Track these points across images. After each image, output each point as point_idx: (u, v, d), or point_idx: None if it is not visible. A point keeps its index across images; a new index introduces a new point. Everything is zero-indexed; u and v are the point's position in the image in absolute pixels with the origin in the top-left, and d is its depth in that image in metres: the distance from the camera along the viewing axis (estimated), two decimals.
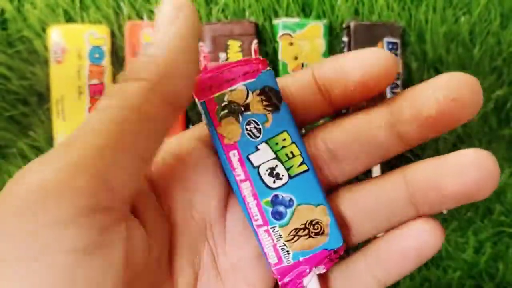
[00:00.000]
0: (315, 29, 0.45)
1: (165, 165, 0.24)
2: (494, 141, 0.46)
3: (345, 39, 0.45)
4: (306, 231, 0.26)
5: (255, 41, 0.44)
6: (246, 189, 0.26)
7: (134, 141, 0.19)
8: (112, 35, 0.46)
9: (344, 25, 0.46)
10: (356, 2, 0.47)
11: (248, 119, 0.25)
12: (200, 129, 0.26)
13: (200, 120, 0.44)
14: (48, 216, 0.17)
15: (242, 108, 0.25)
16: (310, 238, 0.26)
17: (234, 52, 0.44)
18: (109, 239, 0.18)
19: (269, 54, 0.46)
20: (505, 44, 0.46)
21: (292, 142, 0.26)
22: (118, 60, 0.46)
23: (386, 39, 0.45)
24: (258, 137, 0.26)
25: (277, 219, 0.26)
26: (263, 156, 0.26)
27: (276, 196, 0.26)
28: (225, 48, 0.44)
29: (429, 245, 0.23)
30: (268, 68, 0.26)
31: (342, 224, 0.25)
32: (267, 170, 0.26)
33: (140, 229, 0.21)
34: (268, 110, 0.26)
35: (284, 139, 0.26)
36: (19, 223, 0.17)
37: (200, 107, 0.25)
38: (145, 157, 0.20)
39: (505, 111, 0.46)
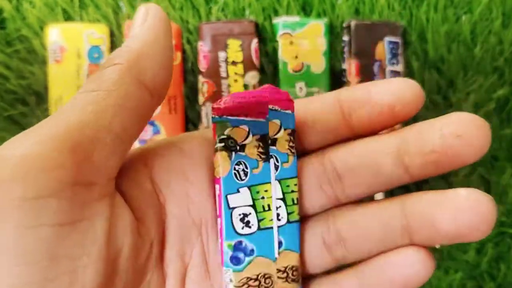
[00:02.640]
0: (316, 28, 0.44)
1: (167, 156, 0.24)
2: (495, 141, 0.46)
3: (345, 38, 0.45)
4: (257, 283, 0.26)
5: (255, 40, 0.44)
6: (218, 225, 0.25)
7: (111, 121, 0.20)
8: (111, 34, 0.45)
9: (344, 24, 0.45)
10: (357, 1, 0.46)
11: (239, 160, 0.25)
12: (204, 131, 0.26)
13: (199, 120, 0.44)
14: (29, 190, 0.17)
15: (238, 147, 0.25)
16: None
17: (234, 51, 0.44)
18: (90, 214, 0.19)
19: (269, 53, 0.46)
20: (506, 43, 0.46)
21: (270, 196, 0.25)
22: None
23: (387, 39, 0.44)
24: (243, 180, 0.25)
25: (233, 264, 0.25)
26: (241, 200, 0.25)
27: (240, 242, 0.25)
28: (225, 47, 0.44)
29: (416, 275, 0.23)
30: (290, 111, 0.25)
31: (336, 240, 0.25)
32: (240, 215, 0.25)
33: (126, 210, 0.21)
34: (261, 158, 0.25)
35: (266, 191, 0.25)
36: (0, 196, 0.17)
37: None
38: (124, 138, 0.20)
39: (506, 111, 0.46)
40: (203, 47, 0.44)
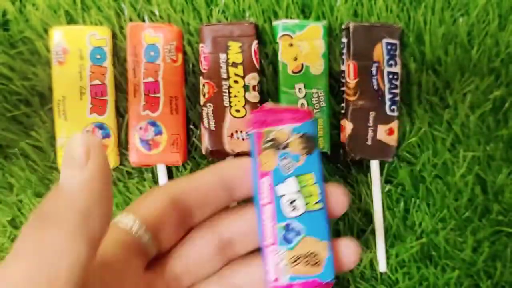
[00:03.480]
0: (315, 30, 0.45)
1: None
2: (492, 142, 0.46)
3: (344, 40, 0.46)
4: (306, 260, 0.31)
5: (255, 42, 0.45)
6: (266, 211, 0.31)
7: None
8: (113, 36, 0.46)
9: (343, 26, 0.46)
10: (355, 3, 0.47)
11: (285, 156, 0.31)
12: (118, 231, 0.28)
13: (198, 120, 0.45)
14: None
15: (282, 146, 0.31)
16: (308, 267, 0.31)
17: (234, 53, 0.45)
18: None
19: (269, 55, 0.47)
20: (503, 45, 0.47)
21: (315, 183, 0.31)
22: (119, 61, 0.46)
23: (385, 40, 0.45)
24: (288, 172, 0.31)
25: (285, 243, 0.31)
26: (288, 188, 0.31)
27: (289, 224, 0.31)
28: (226, 49, 0.45)
29: None
30: (313, 118, 0.32)
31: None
32: (288, 200, 0.31)
33: None
34: (303, 153, 0.31)
35: (309, 179, 0.31)
36: None
37: (250, 136, 0.32)
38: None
39: (502, 112, 0.46)
40: (204, 48, 0.45)
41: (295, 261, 0.31)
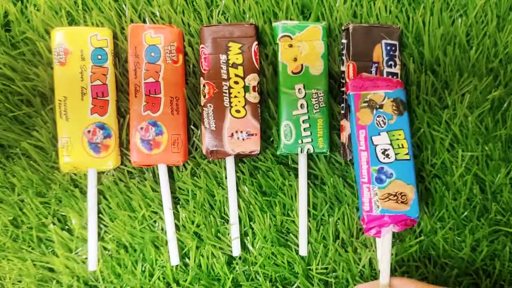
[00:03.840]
0: (314, 31, 0.45)
1: None
2: (490, 141, 0.47)
3: (344, 40, 0.46)
4: (396, 198, 0.40)
5: (255, 43, 0.45)
6: (363, 156, 0.41)
7: None
8: (115, 37, 0.47)
9: (343, 27, 0.46)
10: (355, 4, 0.47)
11: (379, 114, 0.41)
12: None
13: (199, 121, 0.45)
14: None
15: (378, 106, 0.41)
16: (397, 203, 0.40)
17: (235, 53, 0.45)
18: None
19: (269, 55, 0.47)
20: (501, 45, 0.47)
21: (404, 138, 0.41)
22: (120, 62, 0.47)
23: (384, 41, 0.45)
24: (382, 127, 0.40)
25: (378, 183, 0.40)
26: (382, 140, 0.40)
27: (382, 168, 0.40)
28: (226, 50, 0.45)
29: None
30: (403, 87, 0.42)
31: None
32: (381, 150, 0.40)
33: None
34: (395, 113, 0.41)
35: (400, 134, 0.41)
36: None
37: (349, 97, 0.41)
38: None
39: (501, 112, 0.47)
40: (204, 49, 0.45)
41: (386, 197, 0.40)
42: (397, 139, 0.40)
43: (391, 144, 0.40)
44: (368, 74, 0.42)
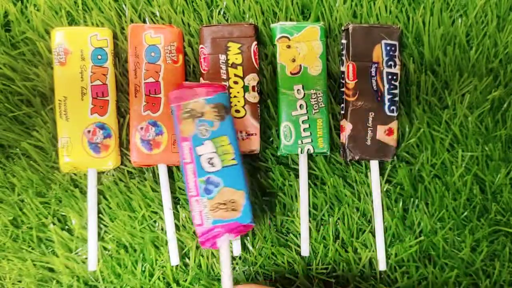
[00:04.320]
0: (312, 31, 0.46)
1: None
2: (490, 142, 0.47)
3: (344, 41, 0.47)
4: (225, 206, 0.39)
5: (255, 43, 0.46)
6: (189, 169, 0.39)
7: None
8: (115, 37, 0.47)
9: (342, 28, 0.47)
10: (355, 4, 0.48)
11: (202, 123, 0.39)
12: None
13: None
14: None
15: (199, 115, 0.39)
16: (227, 212, 0.39)
17: (234, 53, 0.45)
18: None
19: (268, 55, 0.47)
20: (501, 45, 0.47)
21: (229, 143, 0.40)
22: (120, 62, 0.47)
23: (384, 41, 0.46)
24: (205, 135, 0.39)
25: (207, 193, 0.39)
26: (206, 149, 0.39)
27: (209, 178, 0.39)
28: (225, 50, 0.45)
29: None
30: (225, 91, 0.40)
31: None
32: (207, 159, 0.39)
33: None
34: (217, 119, 0.40)
35: (224, 140, 0.39)
36: None
37: (172, 111, 0.40)
38: None
39: (501, 112, 0.47)
40: (204, 49, 0.46)
41: (216, 207, 0.39)
42: (222, 145, 0.39)
43: (216, 152, 0.39)
44: (190, 82, 0.42)
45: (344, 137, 0.46)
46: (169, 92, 0.43)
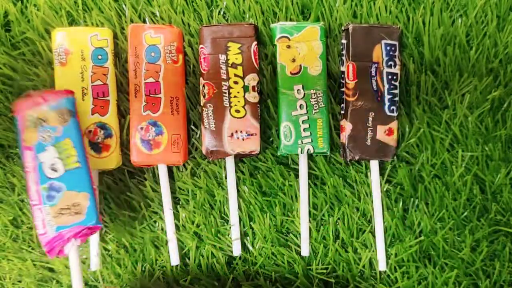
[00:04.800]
0: (312, 31, 0.46)
1: None
2: (490, 142, 0.47)
3: (344, 41, 0.47)
4: (69, 211, 0.39)
5: (255, 43, 0.46)
6: (31, 178, 0.39)
7: None
8: (115, 37, 0.47)
9: (342, 28, 0.47)
10: (355, 4, 0.48)
11: (44, 129, 0.39)
12: None
13: (199, 121, 0.46)
14: None
15: (42, 121, 0.39)
16: (71, 216, 0.39)
17: (234, 53, 0.46)
18: None
19: (268, 55, 0.48)
20: (501, 46, 0.48)
21: (73, 146, 0.39)
22: (120, 62, 0.48)
23: (384, 41, 0.46)
24: (48, 141, 0.39)
25: (49, 201, 0.39)
26: (48, 155, 0.39)
27: (52, 184, 0.39)
28: (225, 50, 0.46)
29: None
30: (70, 96, 0.40)
31: None
32: (49, 165, 0.39)
33: None
34: (60, 123, 0.39)
35: (67, 144, 0.39)
36: None
37: (16, 121, 0.39)
38: None
39: (501, 112, 0.48)
40: (204, 49, 0.46)
41: (59, 213, 0.38)
42: (65, 149, 0.39)
43: (59, 157, 0.39)
44: (36, 91, 0.41)
45: (344, 137, 0.47)
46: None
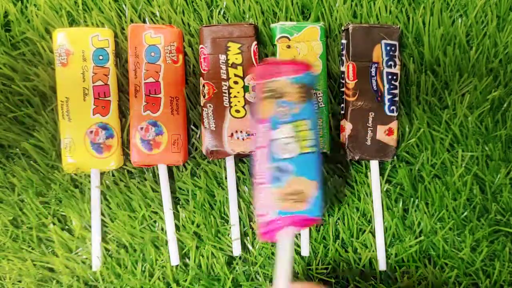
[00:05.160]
0: (312, 31, 0.47)
1: None
2: (490, 142, 0.48)
3: (344, 41, 0.47)
4: (294, 197, 0.35)
5: (255, 43, 0.47)
6: (261, 154, 0.36)
7: None
8: (115, 37, 0.48)
9: (343, 28, 0.48)
10: (355, 4, 0.49)
11: (282, 104, 0.36)
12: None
13: (199, 121, 0.46)
14: None
15: (280, 95, 0.36)
16: (294, 203, 0.36)
17: (234, 53, 0.46)
18: None
19: (268, 56, 0.48)
20: (501, 46, 0.48)
21: (309, 129, 0.36)
22: (120, 62, 0.48)
23: (384, 42, 0.47)
24: (285, 118, 0.36)
25: (275, 182, 0.35)
26: (283, 133, 0.35)
27: (282, 164, 0.35)
28: (225, 50, 0.46)
29: None
30: (312, 71, 0.37)
31: None
32: (282, 144, 0.35)
33: None
34: (300, 101, 0.36)
35: (304, 125, 0.36)
36: None
37: (252, 87, 0.39)
38: None
39: (501, 112, 0.48)
40: (204, 49, 0.47)
41: (283, 198, 0.35)
42: (301, 130, 0.36)
43: (294, 138, 0.36)
44: (274, 58, 0.38)
45: (344, 137, 0.47)
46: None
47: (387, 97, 0.47)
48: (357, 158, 0.47)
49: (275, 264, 0.36)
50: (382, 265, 0.47)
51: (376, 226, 0.48)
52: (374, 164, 0.48)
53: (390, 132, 0.47)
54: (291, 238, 0.36)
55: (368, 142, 0.47)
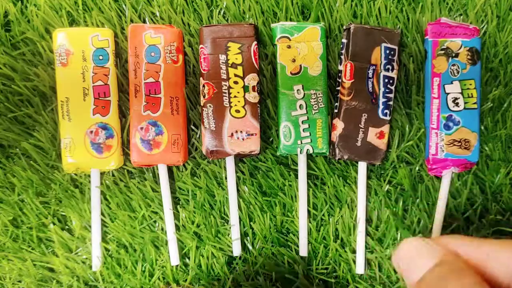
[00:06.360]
0: (312, 32, 0.48)
1: None
2: (490, 141, 0.49)
3: (344, 40, 0.48)
4: (460, 144, 0.46)
5: (255, 43, 0.47)
6: (435, 104, 0.46)
7: None
8: (115, 37, 0.49)
9: (344, 27, 0.49)
10: (355, 4, 0.50)
11: (454, 63, 0.46)
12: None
13: (199, 121, 0.47)
14: None
15: (454, 55, 0.46)
16: (460, 149, 0.46)
17: (234, 53, 0.47)
18: None
19: (268, 56, 0.49)
20: (501, 45, 0.49)
21: (475, 88, 0.46)
22: (120, 62, 0.49)
23: (384, 45, 0.47)
24: (456, 76, 0.46)
25: (445, 129, 0.46)
26: (453, 88, 0.46)
27: (451, 115, 0.46)
28: (225, 50, 0.47)
29: None
30: (479, 36, 0.46)
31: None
32: (452, 98, 0.46)
33: None
34: (469, 62, 0.46)
35: (471, 84, 0.46)
36: None
37: (426, 44, 0.47)
38: None
39: (501, 112, 0.49)
40: (204, 49, 0.47)
41: (451, 143, 0.46)
42: (468, 88, 0.46)
43: (461, 93, 0.45)
44: (446, 19, 0.46)
45: (335, 135, 0.48)
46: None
47: (381, 100, 0.47)
48: (345, 157, 0.48)
49: (438, 197, 0.47)
50: (360, 269, 0.48)
51: (360, 227, 0.48)
52: (362, 166, 0.48)
53: (381, 135, 0.48)
54: (451, 176, 0.47)
55: (359, 143, 0.48)
